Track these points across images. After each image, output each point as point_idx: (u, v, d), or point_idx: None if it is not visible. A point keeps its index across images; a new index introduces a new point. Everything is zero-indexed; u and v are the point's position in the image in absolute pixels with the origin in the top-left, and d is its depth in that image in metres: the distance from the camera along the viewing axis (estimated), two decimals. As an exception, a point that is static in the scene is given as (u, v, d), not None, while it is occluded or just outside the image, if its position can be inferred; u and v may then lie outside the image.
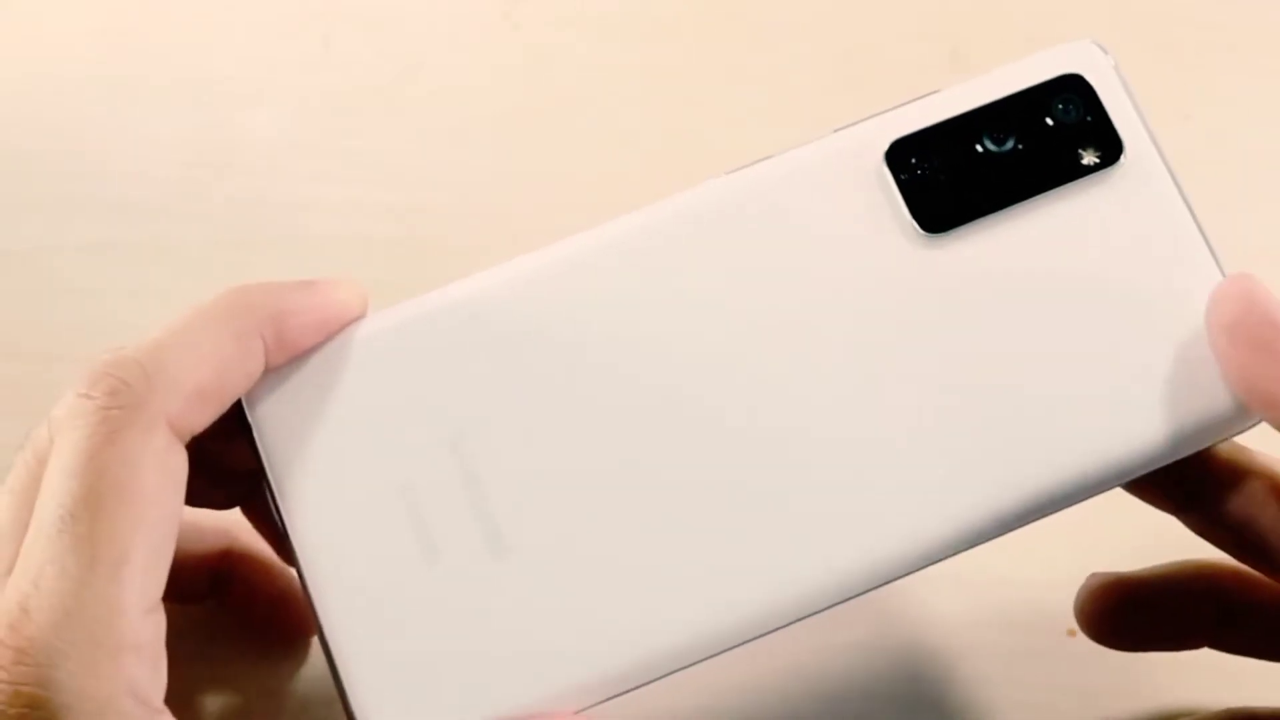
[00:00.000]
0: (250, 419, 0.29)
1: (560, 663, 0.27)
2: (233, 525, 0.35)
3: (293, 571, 0.35)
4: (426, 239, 0.43)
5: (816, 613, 0.28)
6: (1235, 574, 0.33)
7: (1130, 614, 0.32)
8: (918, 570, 0.28)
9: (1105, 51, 0.30)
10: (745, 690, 0.36)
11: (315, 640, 0.36)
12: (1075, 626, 0.35)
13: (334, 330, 0.29)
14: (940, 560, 0.28)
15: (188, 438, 0.28)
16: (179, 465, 0.27)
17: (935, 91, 0.30)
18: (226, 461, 0.31)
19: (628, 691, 0.27)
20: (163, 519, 0.27)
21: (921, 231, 0.29)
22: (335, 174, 0.45)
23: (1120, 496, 0.37)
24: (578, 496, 0.28)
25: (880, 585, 0.28)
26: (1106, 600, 0.32)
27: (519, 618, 0.28)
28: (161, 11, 0.48)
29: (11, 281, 0.43)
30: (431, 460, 0.28)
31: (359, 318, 0.30)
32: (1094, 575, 0.32)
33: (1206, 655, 0.33)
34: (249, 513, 0.34)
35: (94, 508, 0.26)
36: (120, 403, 0.27)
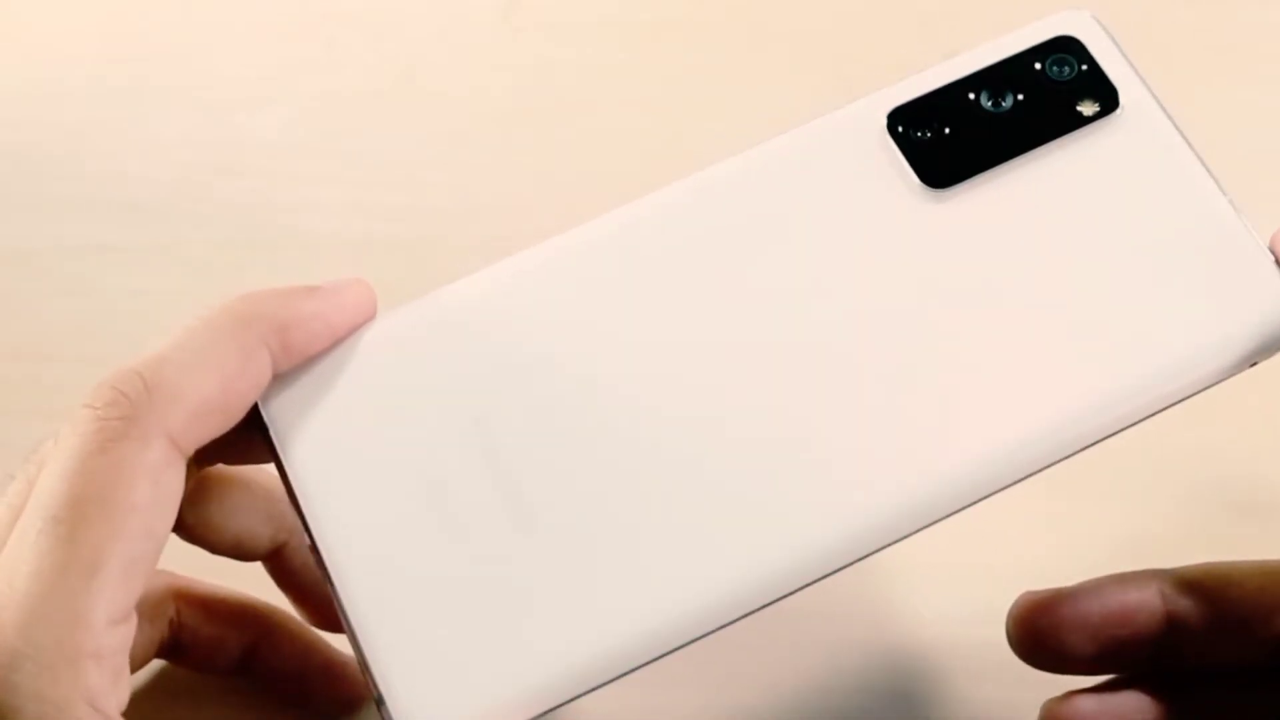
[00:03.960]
0: (266, 419, 0.29)
1: (585, 633, 0.27)
2: (268, 606, 0.35)
3: (325, 645, 0.35)
4: (426, 239, 0.43)
5: (863, 558, 0.28)
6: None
7: (1050, 641, 0.31)
8: (974, 504, 0.28)
9: (1096, 19, 0.31)
10: (740, 687, 0.36)
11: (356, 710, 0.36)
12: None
13: (342, 334, 0.29)
14: (998, 491, 0.28)
15: (191, 452, 0.28)
16: (173, 481, 0.27)
17: (929, 67, 0.31)
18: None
19: (658, 659, 0.27)
20: (145, 531, 0.27)
21: (927, 188, 0.30)
22: (336, 175, 0.45)
23: (1114, 496, 0.38)
24: (598, 471, 0.28)
25: (942, 519, 0.28)
26: (1031, 622, 0.32)
27: (548, 592, 0.28)
28: (163, 14, 0.48)
29: (11, 281, 0.43)
30: (451, 446, 0.29)
31: (369, 318, 0.30)
32: (1022, 596, 0.32)
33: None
34: (271, 567, 0.34)
35: (77, 513, 0.26)
36: (118, 414, 0.26)
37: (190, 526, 0.32)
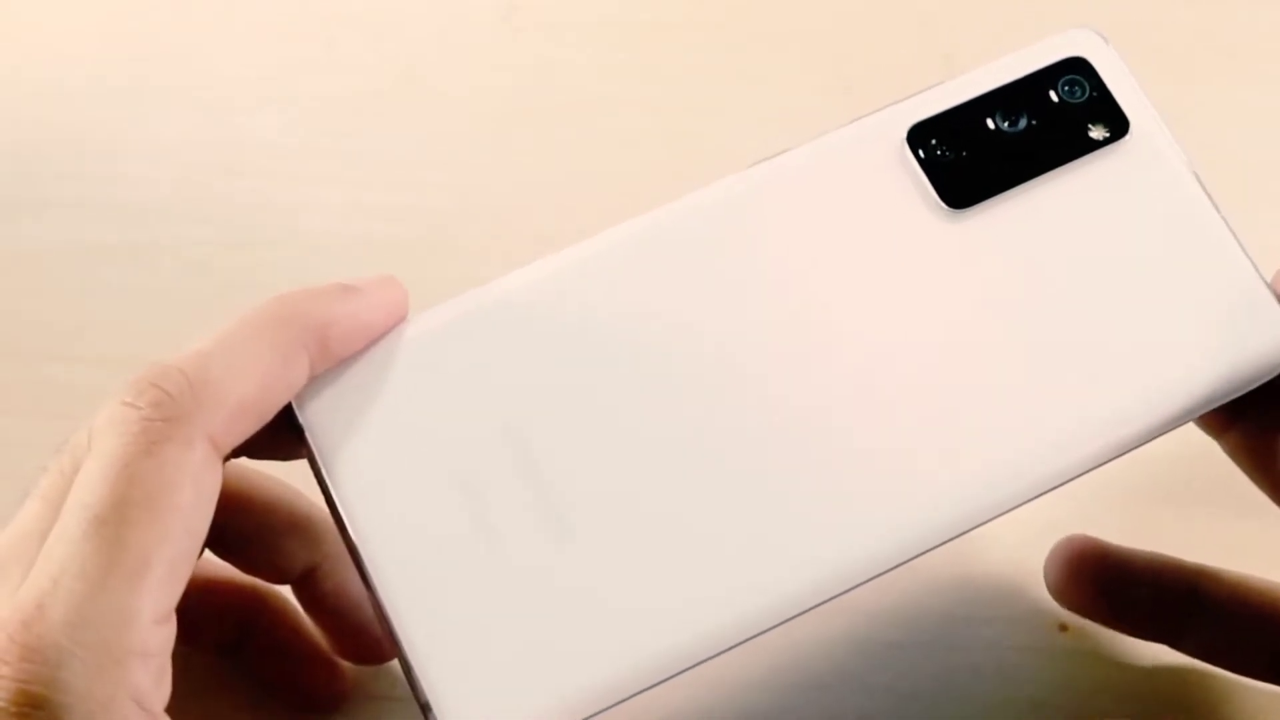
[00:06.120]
0: (301, 421, 0.29)
1: (626, 640, 0.28)
2: (264, 585, 0.35)
3: (319, 636, 0.35)
4: (426, 239, 0.43)
5: (895, 567, 0.28)
6: (1206, 576, 0.33)
7: (1100, 583, 0.33)
8: (988, 521, 0.29)
9: (1104, 37, 0.31)
10: (740, 685, 0.36)
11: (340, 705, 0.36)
12: (1066, 622, 0.36)
13: (377, 335, 0.29)
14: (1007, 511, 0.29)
15: (227, 451, 0.28)
16: (213, 482, 0.27)
17: (943, 82, 0.31)
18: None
19: (698, 665, 0.28)
20: (188, 533, 0.27)
21: (948, 208, 0.30)
22: (336, 175, 0.45)
23: (1118, 499, 0.38)
24: (634, 477, 0.29)
25: (959, 535, 0.29)
26: (1083, 562, 0.33)
27: (585, 597, 0.28)
28: (163, 14, 0.48)
29: (11, 281, 0.43)
30: (487, 449, 0.29)
31: (401, 318, 0.30)
32: (1077, 535, 0.33)
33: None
34: (300, 591, 0.34)
35: (123, 514, 0.26)
36: (163, 414, 0.27)
37: (231, 545, 0.32)
